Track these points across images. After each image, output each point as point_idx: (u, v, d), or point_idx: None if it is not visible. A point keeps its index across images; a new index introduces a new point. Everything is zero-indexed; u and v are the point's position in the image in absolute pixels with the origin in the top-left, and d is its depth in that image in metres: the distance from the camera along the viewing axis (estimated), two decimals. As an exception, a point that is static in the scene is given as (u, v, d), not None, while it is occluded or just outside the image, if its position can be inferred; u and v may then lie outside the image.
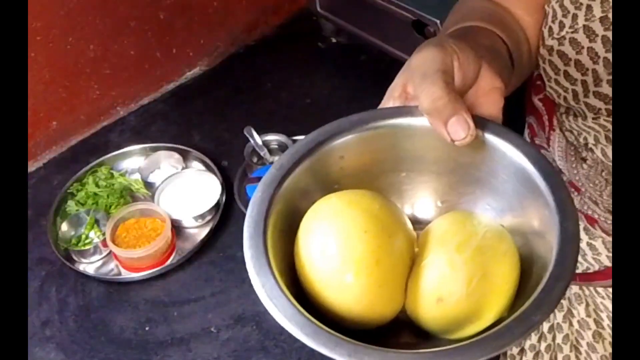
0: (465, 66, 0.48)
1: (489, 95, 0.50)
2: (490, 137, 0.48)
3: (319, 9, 1.61)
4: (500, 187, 0.49)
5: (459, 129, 0.45)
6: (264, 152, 1.33)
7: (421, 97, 0.46)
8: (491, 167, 0.49)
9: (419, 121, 0.48)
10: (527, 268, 0.47)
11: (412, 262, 0.48)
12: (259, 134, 1.34)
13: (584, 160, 0.70)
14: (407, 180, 0.53)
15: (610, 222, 0.71)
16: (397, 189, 0.53)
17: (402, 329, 0.48)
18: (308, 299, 0.46)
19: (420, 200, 0.53)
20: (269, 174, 0.48)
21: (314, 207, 0.48)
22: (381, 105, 0.52)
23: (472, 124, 0.45)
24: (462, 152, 0.48)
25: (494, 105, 0.50)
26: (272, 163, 1.30)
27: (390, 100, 0.51)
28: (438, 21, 1.31)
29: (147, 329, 1.12)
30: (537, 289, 0.41)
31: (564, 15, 0.62)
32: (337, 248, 0.44)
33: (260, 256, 0.44)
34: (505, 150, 0.47)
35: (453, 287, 0.44)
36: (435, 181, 0.52)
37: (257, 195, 0.47)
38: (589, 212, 0.72)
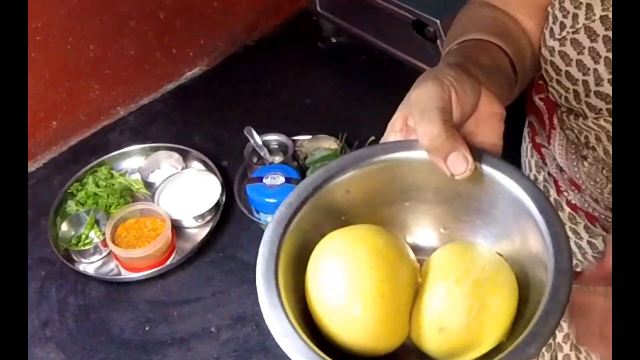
0: (462, 98, 0.49)
1: (488, 122, 0.51)
2: (488, 170, 0.50)
3: (319, 9, 1.61)
4: (499, 217, 0.52)
5: (458, 164, 0.47)
6: (264, 152, 1.33)
7: (420, 136, 0.48)
8: (490, 198, 0.51)
9: (420, 154, 0.50)
10: (525, 294, 0.49)
11: (416, 292, 0.50)
12: (259, 134, 1.34)
13: (585, 158, 0.70)
14: (410, 209, 0.55)
15: (610, 219, 0.71)
16: (402, 218, 0.55)
17: (408, 355, 0.51)
18: (319, 331, 0.49)
19: (423, 228, 0.56)
20: (279, 212, 0.50)
21: (321, 244, 0.51)
22: (383, 139, 0.54)
23: (470, 159, 0.47)
24: (462, 183, 0.50)
25: (494, 132, 0.51)
26: (272, 163, 1.31)
27: (392, 133, 0.53)
28: (438, 21, 1.31)
29: (147, 329, 1.12)
30: (531, 322, 0.43)
31: (565, 16, 0.62)
32: (345, 284, 0.47)
33: (273, 295, 0.46)
34: (503, 182, 0.50)
35: (454, 318, 0.47)
36: (437, 210, 0.55)
37: (267, 234, 0.49)
38: (590, 210, 0.72)
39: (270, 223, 0.49)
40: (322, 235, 0.51)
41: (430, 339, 0.49)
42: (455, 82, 0.49)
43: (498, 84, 0.56)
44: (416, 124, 0.48)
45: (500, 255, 0.52)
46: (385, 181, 0.53)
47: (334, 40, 1.67)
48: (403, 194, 0.54)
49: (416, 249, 0.54)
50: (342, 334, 0.47)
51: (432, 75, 0.50)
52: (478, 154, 0.49)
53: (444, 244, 0.54)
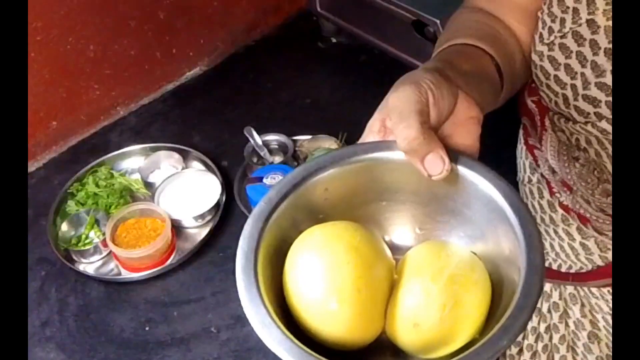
0: (440, 102, 0.50)
1: (465, 125, 0.53)
2: (464, 171, 0.51)
3: (319, 9, 1.61)
4: (473, 217, 0.53)
5: (435, 165, 0.49)
6: (264, 152, 1.33)
7: (398, 138, 0.49)
8: (465, 199, 0.52)
9: (397, 155, 0.51)
10: (498, 292, 0.50)
11: (391, 289, 0.51)
12: (259, 134, 1.34)
13: (576, 159, 0.70)
14: (387, 209, 0.56)
15: (602, 221, 0.71)
16: (378, 218, 0.57)
17: (383, 349, 0.52)
18: (296, 324, 0.50)
19: (400, 227, 0.57)
20: (259, 207, 0.51)
21: (299, 240, 0.52)
22: (361, 140, 0.55)
23: (447, 160, 0.49)
24: (438, 184, 0.51)
25: (470, 135, 0.53)
26: (272, 163, 1.31)
27: (370, 135, 0.54)
28: (438, 21, 1.31)
29: (147, 329, 1.12)
30: (504, 316, 0.44)
31: (553, 21, 0.63)
32: (322, 279, 0.48)
33: (252, 287, 0.47)
34: (478, 183, 0.51)
35: (428, 314, 0.48)
36: (413, 210, 0.56)
37: (247, 229, 0.50)
38: (581, 211, 0.73)
39: (250, 218, 0.50)
40: (300, 232, 0.52)
41: (404, 334, 0.50)
42: (433, 86, 0.50)
43: (478, 89, 0.57)
44: (394, 127, 0.50)
45: (475, 254, 0.53)
46: (363, 181, 0.54)
47: (334, 40, 1.67)
48: (380, 194, 0.55)
49: (392, 248, 0.55)
50: (319, 327, 0.48)
51: (410, 79, 0.51)
52: (454, 155, 0.51)
53: (419, 244, 0.55)
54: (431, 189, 0.53)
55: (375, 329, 0.51)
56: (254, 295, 0.47)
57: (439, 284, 0.48)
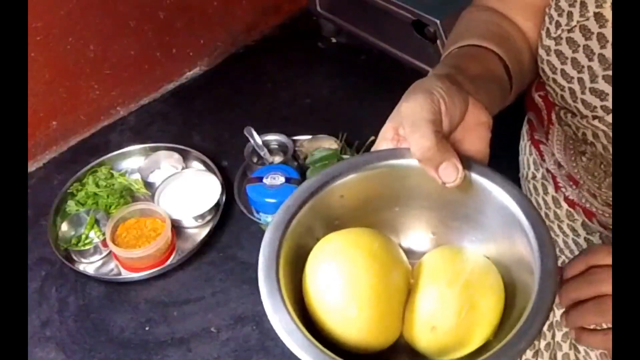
0: (451, 110, 0.52)
1: (476, 130, 0.54)
2: (477, 178, 0.52)
3: (319, 9, 1.61)
4: (486, 223, 0.54)
5: (449, 173, 0.50)
6: (264, 152, 1.33)
7: (412, 148, 0.50)
8: (478, 204, 0.54)
9: (411, 162, 0.52)
10: (511, 296, 0.52)
11: (408, 293, 0.53)
12: (259, 134, 1.34)
13: (583, 153, 0.71)
14: (401, 215, 0.58)
15: (608, 215, 0.71)
16: (393, 223, 0.58)
17: (401, 351, 0.54)
18: (315, 327, 0.51)
19: (414, 232, 0.58)
20: (277, 215, 0.52)
21: (318, 246, 0.53)
22: (375, 147, 0.56)
23: (460, 168, 0.50)
24: (451, 191, 0.52)
25: (481, 140, 0.54)
26: (272, 163, 1.31)
27: (383, 142, 0.55)
28: (438, 21, 1.31)
29: (147, 329, 1.12)
30: (520, 321, 0.46)
31: (560, 15, 0.63)
32: (342, 285, 0.50)
33: (275, 294, 0.48)
34: (491, 189, 0.52)
35: (445, 318, 0.50)
36: (426, 216, 0.57)
37: (267, 236, 0.51)
38: (587, 206, 0.73)
39: (270, 225, 0.52)
40: (317, 239, 0.53)
41: (422, 337, 0.51)
42: (445, 94, 0.51)
43: (487, 92, 0.58)
44: (408, 136, 0.50)
45: (488, 258, 0.54)
46: (378, 187, 0.55)
47: (334, 40, 1.67)
48: (394, 200, 0.56)
49: (406, 252, 0.56)
50: (339, 332, 0.49)
51: (422, 88, 0.52)
52: (467, 162, 0.52)
53: (432, 248, 0.56)
54: (444, 195, 0.54)
55: (394, 333, 0.52)
56: (277, 302, 0.47)
57: (455, 289, 0.50)
